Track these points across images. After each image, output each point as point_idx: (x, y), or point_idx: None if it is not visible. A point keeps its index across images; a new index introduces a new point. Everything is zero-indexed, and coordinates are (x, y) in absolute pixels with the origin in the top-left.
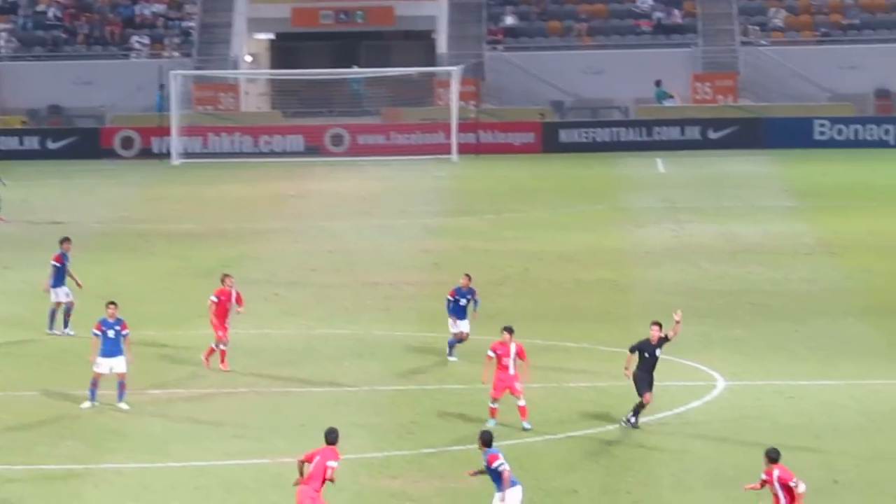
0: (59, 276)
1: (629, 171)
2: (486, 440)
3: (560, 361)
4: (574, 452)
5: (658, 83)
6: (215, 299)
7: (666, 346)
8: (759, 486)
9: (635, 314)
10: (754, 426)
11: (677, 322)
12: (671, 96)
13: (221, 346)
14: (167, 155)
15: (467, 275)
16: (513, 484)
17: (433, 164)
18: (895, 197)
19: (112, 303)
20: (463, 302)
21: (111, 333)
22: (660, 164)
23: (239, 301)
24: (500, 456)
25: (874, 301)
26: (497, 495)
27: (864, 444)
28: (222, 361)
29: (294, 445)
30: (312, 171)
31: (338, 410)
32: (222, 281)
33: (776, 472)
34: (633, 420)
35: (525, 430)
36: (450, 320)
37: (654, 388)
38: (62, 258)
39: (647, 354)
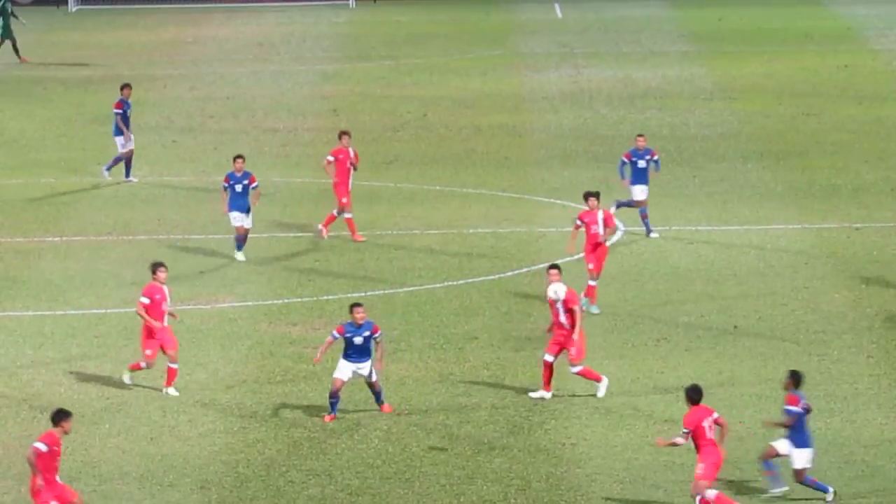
0: (125, 123)
1: (527, 15)
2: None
3: (459, 207)
4: (474, 299)
5: None
6: (332, 158)
7: (567, 199)
8: (683, 439)
9: (533, 160)
10: (653, 272)
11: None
12: None
13: (346, 214)
14: (64, 2)
15: (642, 135)
16: None
17: (330, 9)
18: (792, 41)
19: (239, 156)
20: (642, 164)
21: (239, 188)
22: (557, 8)
23: (356, 159)
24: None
25: (772, 145)
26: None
27: (763, 288)
28: (354, 234)
29: (193, 292)
30: (210, 16)
31: (235, 258)
32: (340, 138)
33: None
34: None
35: (595, 313)
36: (626, 185)
37: (554, 235)
38: (122, 104)
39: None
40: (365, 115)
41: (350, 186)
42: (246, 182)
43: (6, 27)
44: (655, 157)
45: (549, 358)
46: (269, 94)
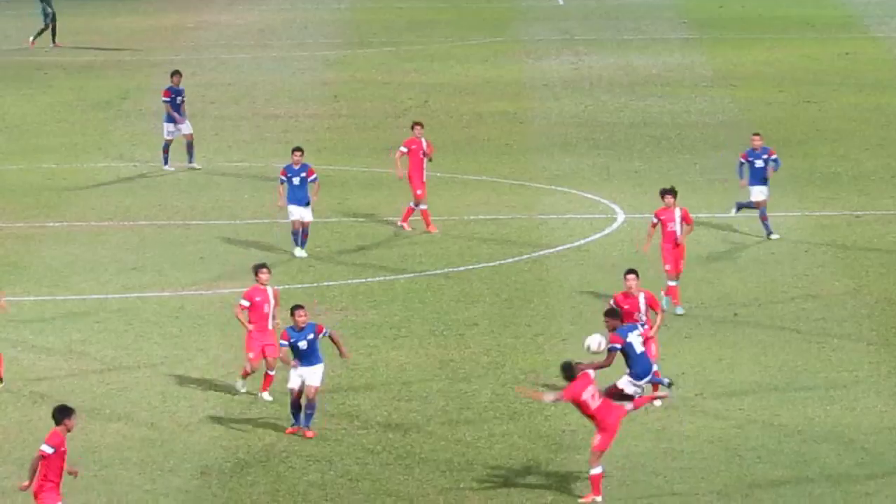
0: (177, 111)
1: (528, 2)
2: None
3: (459, 194)
4: (475, 285)
5: None
6: (405, 149)
7: (567, 186)
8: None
9: (534, 147)
10: (654, 259)
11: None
12: None
13: (422, 206)
14: None
15: (757, 133)
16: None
17: None
18: (793, 28)
19: (298, 148)
20: (759, 163)
21: (296, 181)
22: None
23: (430, 149)
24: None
25: (772, 133)
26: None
27: (763, 275)
28: (428, 226)
29: (194, 278)
30: (211, 2)
31: (237, 243)
32: (412, 128)
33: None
34: None
35: (679, 314)
36: (743, 184)
37: (555, 222)
38: (170, 92)
39: None
40: (366, 101)
41: (424, 177)
42: (304, 174)
43: (49, 12)
44: (773, 157)
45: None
46: (271, 80)
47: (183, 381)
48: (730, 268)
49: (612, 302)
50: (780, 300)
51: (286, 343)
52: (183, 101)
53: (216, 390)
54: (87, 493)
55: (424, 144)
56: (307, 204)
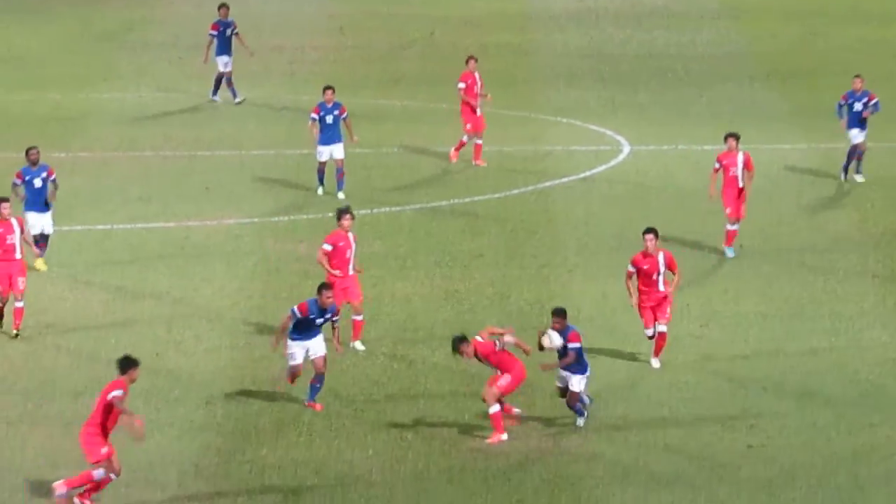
0: (221, 44)
1: None
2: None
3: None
4: (480, 217)
5: None
6: (462, 84)
7: (573, 118)
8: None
9: (539, 79)
10: (659, 191)
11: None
12: None
13: (477, 140)
14: None
15: (858, 75)
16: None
17: None
18: None
19: (329, 87)
20: (858, 106)
21: (329, 119)
22: None
23: (482, 84)
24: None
25: (779, 65)
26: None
27: (769, 208)
28: (476, 158)
29: (199, 209)
30: None
31: (242, 174)
32: (466, 63)
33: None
34: None
35: (729, 257)
36: (843, 126)
37: (560, 153)
38: (218, 25)
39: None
40: (371, 33)
41: (479, 112)
42: (336, 113)
43: None
44: (874, 101)
45: (651, 332)
46: (276, 11)
47: (188, 311)
48: None
49: (630, 265)
50: (786, 232)
51: (300, 315)
52: (233, 34)
53: (221, 321)
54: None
55: (478, 78)
56: (339, 141)
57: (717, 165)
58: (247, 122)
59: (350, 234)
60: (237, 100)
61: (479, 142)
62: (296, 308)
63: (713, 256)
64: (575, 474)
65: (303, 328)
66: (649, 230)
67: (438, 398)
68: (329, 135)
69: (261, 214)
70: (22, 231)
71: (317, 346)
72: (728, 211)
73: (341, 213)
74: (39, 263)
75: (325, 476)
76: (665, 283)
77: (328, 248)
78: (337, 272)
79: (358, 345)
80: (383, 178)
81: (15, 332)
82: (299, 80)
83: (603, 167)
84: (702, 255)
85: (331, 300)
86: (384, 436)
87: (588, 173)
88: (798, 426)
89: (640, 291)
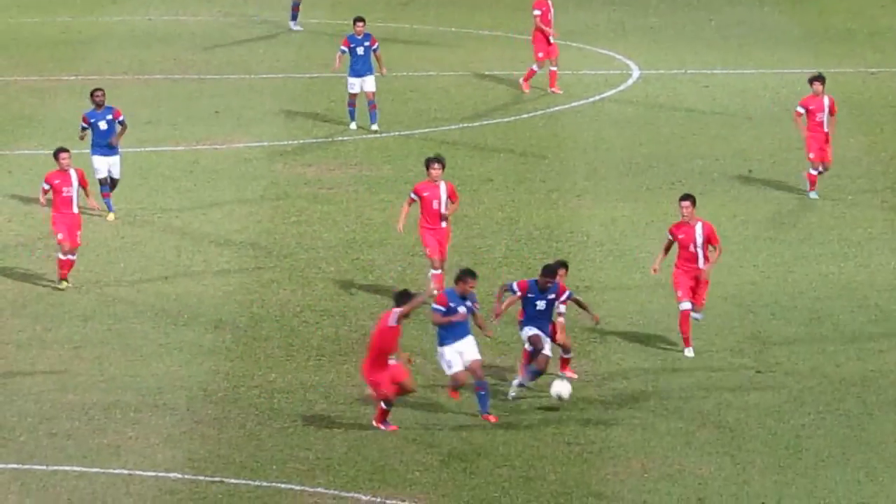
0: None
1: None
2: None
3: (474, 49)
4: (489, 141)
5: None
6: (538, 12)
7: (582, 41)
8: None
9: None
10: (668, 115)
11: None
12: None
13: (552, 67)
14: None
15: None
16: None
17: None
18: None
19: (360, 18)
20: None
21: (360, 51)
22: None
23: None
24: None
25: None
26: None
27: (778, 133)
28: (552, 85)
29: (208, 132)
30: None
31: (252, 98)
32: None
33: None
34: None
35: (813, 199)
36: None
37: (569, 77)
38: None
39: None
40: None
41: (551, 39)
42: (367, 44)
43: None
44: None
45: (687, 306)
46: None
47: (197, 235)
48: (744, 124)
49: (667, 233)
50: (795, 157)
51: (442, 309)
52: None
53: (231, 245)
54: (101, 346)
55: (551, 5)
56: (369, 73)
57: (800, 110)
58: (256, 45)
59: (440, 184)
60: (294, 26)
61: (554, 69)
62: (434, 304)
63: (723, 180)
64: (583, 397)
65: (450, 329)
66: (686, 197)
67: None
68: (360, 67)
69: (270, 138)
70: (81, 183)
71: (470, 350)
72: (811, 155)
73: (429, 161)
74: (111, 217)
75: (334, 400)
76: (706, 257)
77: (414, 197)
78: (428, 225)
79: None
80: (392, 101)
81: (64, 283)
82: (309, 2)
83: (612, 91)
84: (710, 178)
85: (472, 287)
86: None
87: (597, 97)
88: (807, 352)
89: (677, 263)
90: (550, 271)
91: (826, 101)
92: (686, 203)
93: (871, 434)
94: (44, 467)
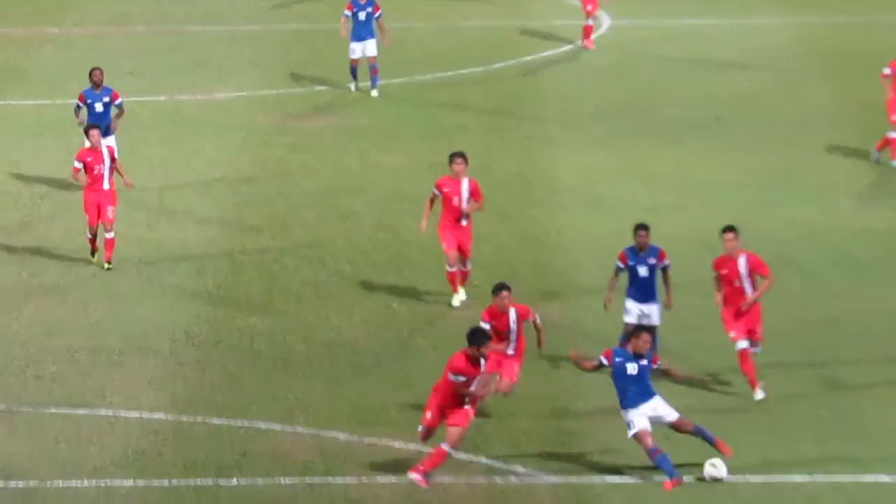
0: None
1: None
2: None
3: (450, 1)
4: (465, 90)
5: None
6: None
7: None
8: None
9: None
10: (638, 64)
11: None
12: None
13: (589, 21)
14: None
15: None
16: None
17: None
18: None
19: None
20: None
21: (362, 16)
22: None
23: None
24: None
25: None
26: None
27: (745, 80)
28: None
29: (190, 83)
30: None
31: (232, 49)
32: None
33: None
34: None
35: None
36: None
37: (542, 27)
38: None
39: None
40: None
41: None
42: (370, 10)
43: None
44: None
45: (744, 344)
46: None
47: (180, 183)
48: (712, 71)
49: (713, 270)
50: (762, 104)
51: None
52: None
53: (212, 193)
54: (85, 290)
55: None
56: (371, 37)
57: (887, 72)
58: None
59: (463, 180)
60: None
61: (591, 23)
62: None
63: (692, 127)
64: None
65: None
66: (728, 228)
67: (423, 268)
68: (361, 32)
69: (250, 88)
70: (112, 160)
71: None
72: (894, 118)
73: (452, 156)
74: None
75: (313, 343)
76: (754, 290)
77: (435, 192)
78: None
79: (462, 294)
80: None
81: (107, 264)
82: None
83: (584, 41)
84: (680, 125)
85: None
86: (370, 304)
87: (569, 47)
88: (772, 293)
89: (724, 300)
90: (495, 289)
91: None
92: (729, 235)
93: (833, 371)
94: (31, 409)
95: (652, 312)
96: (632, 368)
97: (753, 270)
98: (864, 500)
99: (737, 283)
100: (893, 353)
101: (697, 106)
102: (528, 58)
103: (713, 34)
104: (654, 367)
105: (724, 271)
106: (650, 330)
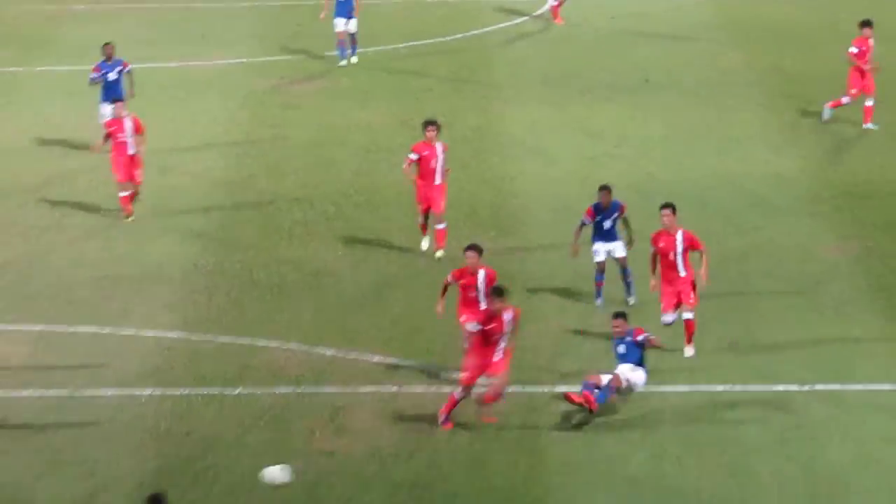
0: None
1: None
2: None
3: None
4: (429, 58)
5: None
6: None
7: None
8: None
9: None
10: (578, 36)
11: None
12: None
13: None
14: None
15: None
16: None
17: None
18: None
19: None
20: None
21: None
22: None
23: None
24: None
25: None
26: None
27: (670, 48)
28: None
29: (196, 51)
30: None
31: (233, 22)
32: None
33: None
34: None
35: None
36: None
37: (494, 2)
38: None
39: None
40: None
41: None
42: None
43: None
44: None
45: (670, 318)
46: None
47: (188, 135)
48: (641, 40)
49: (651, 245)
50: (685, 69)
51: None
52: None
53: (216, 145)
54: (109, 230)
55: None
56: (353, 16)
57: (854, 50)
58: None
59: (437, 145)
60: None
61: (555, 3)
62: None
63: (624, 89)
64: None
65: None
66: (666, 205)
67: (396, 207)
68: (343, 8)
69: (248, 56)
70: (136, 130)
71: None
72: (854, 91)
73: (426, 124)
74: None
75: (303, 272)
76: (686, 265)
77: (413, 156)
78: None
79: (440, 253)
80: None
81: (129, 217)
82: None
83: (536, 12)
84: (613, 87)
85: (618, 331)
86: (350, 238)
87: (519, 20)
88: (695, 230)
89: (661, 273)
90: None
91: (871, 42)
92: (666, 211)
93: (748, 298)
94: (65, 328)
95: (616, 248)
96: (621, 349)
97: (689, 247)
98: (776, 406)
99: (671, 257)
100: (800, 282)
101: (630, 71)
102: (484, 30)
103: (644, 11)
104: (639, 339)
105: (661, 244)
106: (620, 315)
